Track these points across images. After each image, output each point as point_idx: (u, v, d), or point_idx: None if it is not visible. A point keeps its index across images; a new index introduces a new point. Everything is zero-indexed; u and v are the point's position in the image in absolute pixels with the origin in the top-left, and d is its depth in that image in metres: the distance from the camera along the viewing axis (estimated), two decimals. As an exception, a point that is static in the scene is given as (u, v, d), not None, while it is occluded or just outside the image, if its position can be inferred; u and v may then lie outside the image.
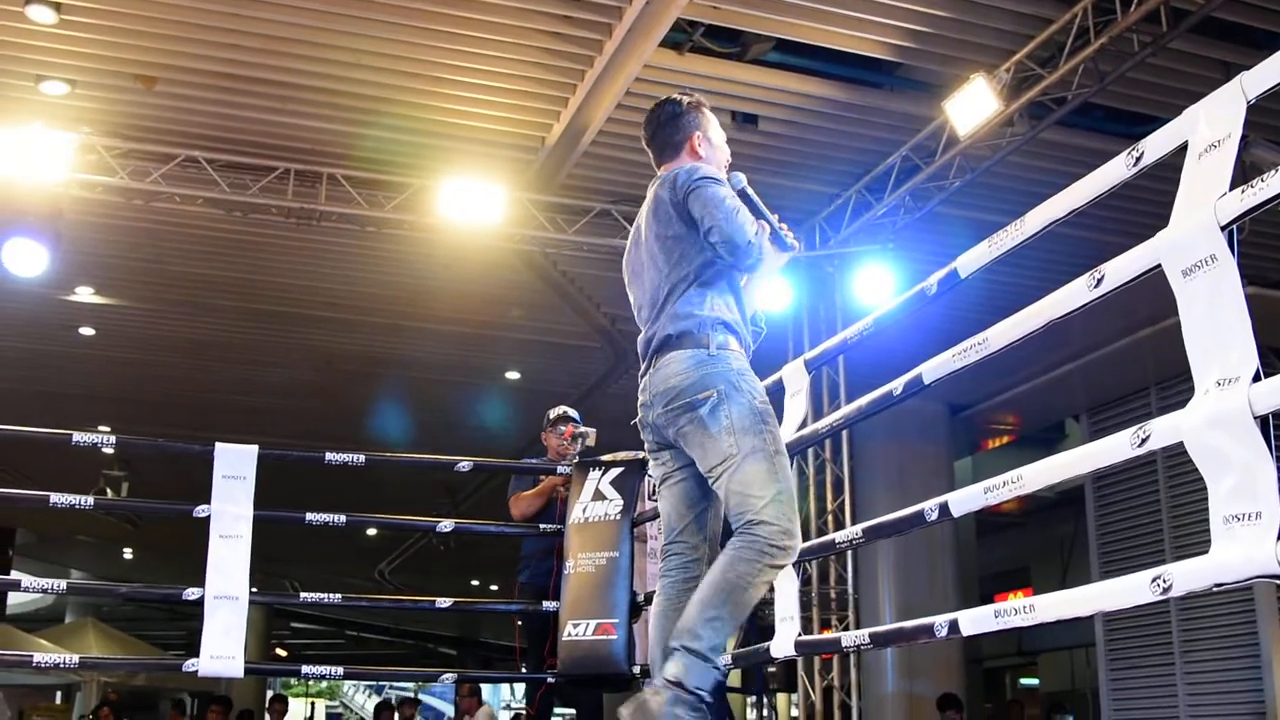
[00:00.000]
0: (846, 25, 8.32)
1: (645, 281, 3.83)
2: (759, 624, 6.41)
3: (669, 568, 3.80)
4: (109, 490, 16.48)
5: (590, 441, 6.98)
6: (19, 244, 9.71)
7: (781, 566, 3.48)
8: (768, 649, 4.63)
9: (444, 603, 6.55)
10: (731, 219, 3.58)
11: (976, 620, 3.41)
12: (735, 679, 11.64)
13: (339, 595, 6.72)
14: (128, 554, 25.75)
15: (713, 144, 4.02)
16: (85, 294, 12.39)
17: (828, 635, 9.19)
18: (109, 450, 15.40)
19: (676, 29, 8.28)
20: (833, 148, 9.86)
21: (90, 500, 6.14)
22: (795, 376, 4.74)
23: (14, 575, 10.37)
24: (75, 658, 6.39)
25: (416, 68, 8.83)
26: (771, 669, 11.29)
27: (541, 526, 6.60)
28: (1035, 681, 22.33)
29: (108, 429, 15.02)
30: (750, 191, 3.85)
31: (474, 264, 11.27)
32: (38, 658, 6.08)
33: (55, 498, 5.81)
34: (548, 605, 6.27)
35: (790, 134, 9.64)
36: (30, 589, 6.56)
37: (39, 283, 10.73)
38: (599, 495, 6.16)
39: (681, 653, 3.33)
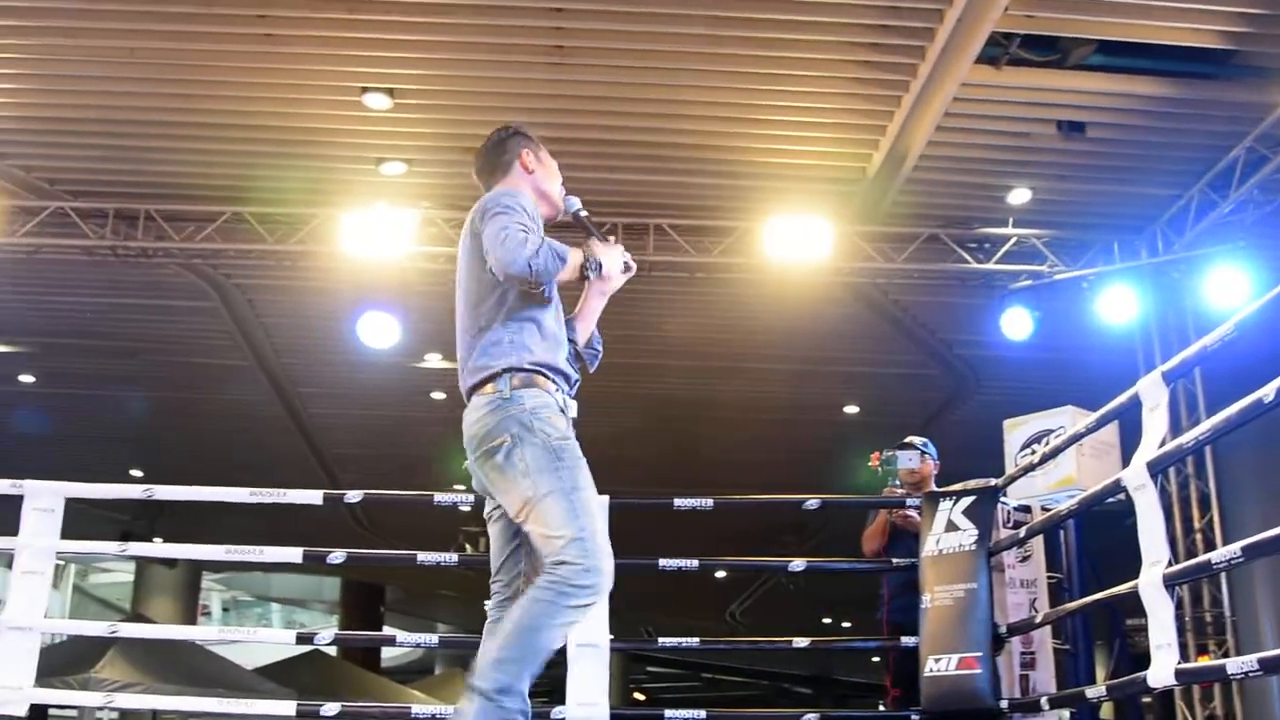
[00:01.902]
0: (1172, 18, 7.89)
1: (458, 318, 3.76)
2: (1131, 652, 6.10)
3: (491, 605, 3.76)
4: (468, 545, 17.16)
5: (911, 464, 6.73)
6: (372, 318, 10.29)
7: (585, 606, 3.34)
8: (1144, 679, 4.37)
9: (801, 642, 6.49)
10: (499, 245, 3.45)
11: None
12: (1108, 711, 11.10)
13: (697, 639, 6.75)
14: (489, 605, 26.75)
15: (543, 162, 3.91)
16: (434, 360, 12.98)
17: (1209, 662, 8.67)
18: (466, 508, 16.03)
19: (992, 43, 8.06)
20: (1168, 148, 9.37)
21: (454, 557, 6.39)
22: (1153, 390, 4.48)
23: (387, 630, 10.85)
24: (450, 709, 6.59)
25: (733, 112, 8.90)
26: (1146, 699, 10.71)
27: (895, 561, 6.47)
28: None
29: (463, 488, 15.66)
30: (583, 213, 3.87)
31: (803, 301, 11.24)
32: (415, 710, 6.31)
33: (422, 556, 6.07)
34: (908, 641, 6.12)
35: (1121, 138, 9.22)
36: (404, 644, 6.82)
37: (392, 353, 11.33)
38: (951, 526, 5.99)
39: (470, 692, 3.26)
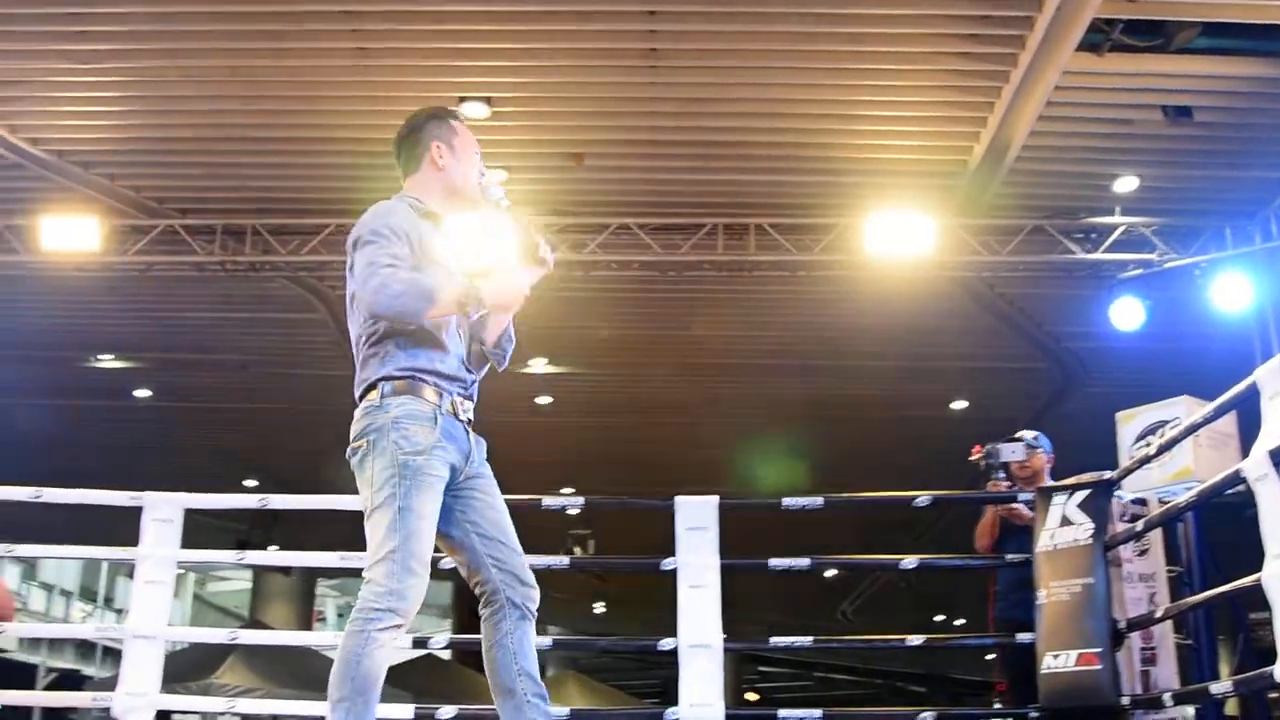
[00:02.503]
0: (1281, -4, 7.69)
1: (350, 329, 3.70)
2: (1255, 646, 5.95)
3: None
4: (576, 549, 17.24)
5: (1015, 456, 6.63)
6: (477, 325, 10.37)
7: (390, 630, 3.29)
8: (1270, 674, 4.25)
9: (915, 640, 6.44)
10: (363, 284, 3.40)
11: None
12: (1233, 707, 10.82)
13: (810, 638, 6.70)
14: (598, 608, 26.85)
15: (455, 152, 3.79)
16: (540, 365, 13.08)
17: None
18: (574, 511, 16.14)
19: (1093, 29, 7.89)
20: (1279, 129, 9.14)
21: (565, 560, 6.42)
22: (1272, 378, 4.36)
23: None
24: (565, 710, 6.61)
25: (830, 108, 8.85)
26: (1273, 694, 10.44)
27: (1008, 557, 6.38)
28: None
29: (571, 490, 15.75)
30: (504, 204, 3.74)
31: (907, 296, 11.13)
32: (530, 713, 6.34)
33: (533, 560, 6.08)
34: (1023, 637, 6.03)
35: (1229, 121, 9.00)
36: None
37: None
38: (1066, 521, 5.89)
39: None
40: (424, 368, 3.53)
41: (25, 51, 8.37)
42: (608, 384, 13.79)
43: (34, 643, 29.86)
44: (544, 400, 14.25)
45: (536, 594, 3.64)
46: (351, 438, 3.54)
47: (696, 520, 5.92)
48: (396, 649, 3.39)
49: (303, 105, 8.90)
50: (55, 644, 31.62)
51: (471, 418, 3.66)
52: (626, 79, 8.51)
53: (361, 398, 3.57)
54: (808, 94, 8.68)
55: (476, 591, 3.62)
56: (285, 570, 21.91)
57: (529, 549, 6.35)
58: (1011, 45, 8.06)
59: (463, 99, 8.64)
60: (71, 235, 9.96)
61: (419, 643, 7.10)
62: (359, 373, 3.60)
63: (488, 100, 8.68)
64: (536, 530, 16.09)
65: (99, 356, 13.69)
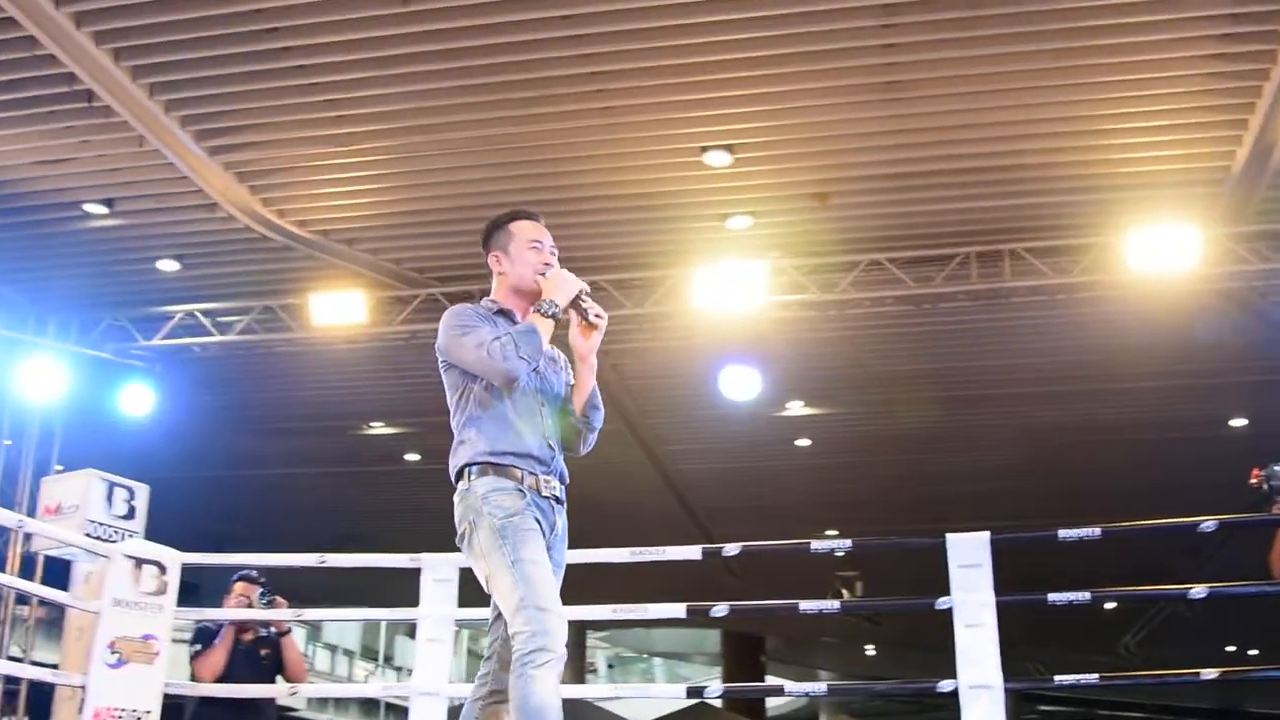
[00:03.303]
0: None
1: None
2: None
3: (482, 663, 3.99)
4: (844, 591, 17.07)
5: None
6: (733, 371, 10.44)
7: (549, 664, 3.51)
8: None
9: (1209, 674, 6.13)
10: (485, 364, 3.80)
11: None
12: None
13: (1096, 675, 6.46)
14: (869, 650, 26.47)
15: (511, 256, 4.10)
16: (797, 407, 13.05)
17: None
18: (840, 554, 15.98)
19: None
20: None
21: (836, 604, 6.38)
22: None
23: (770, 680, 10.90)
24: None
25: (1079, 124, 8.59)
26: None
27: (1308, 581, 6.03)
28: None
29: (835, 533, 15.60)
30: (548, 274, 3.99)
31: (1174, 312, 10.66)
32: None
33: (804, 605, 6.06)
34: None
35: None
36: (792, 693, 6.83)
37: (754, 404, 11.43)
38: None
39: None
40: (504, 450, 3.84)
41: (288, 140, 8.85)
42: (866, 422, 13.64)
43: (321, 702, 31.18)
44: (803, 443, 14.19)
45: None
46: (456, 525, 3.86)
47: (969, 557, 5.80)
48: (556, 680, 3.53)
49: (552, 168, 9.12)
50: (340, 703, 32.95)
51: (559, 495, 3.93)
52: (867, 114, 8.44)
53: (456, 483, 3.91)
54: (1055, 111, 8.43)
55: (492, 649, 3.92)
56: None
57: (797, 593, 6.34)
58: (1269, 41, 7.67)
59: (704, 148, 8.73)
60: (339, 310, 10.44)
61: (693, 692, 7.11)
62: (450, 460, 3.94)
63: (729, 148, 8.74)
64: (806, 575, 16.15)
65: (370, 424, 14.26)
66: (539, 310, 3.89)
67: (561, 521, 3.93)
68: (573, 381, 4.08)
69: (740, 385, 10.69)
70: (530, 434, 3.90)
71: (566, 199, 9.51)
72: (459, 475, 3.88)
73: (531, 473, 3.84)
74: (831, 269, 10.08)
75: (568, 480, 3.98)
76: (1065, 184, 9.23)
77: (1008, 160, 8.96)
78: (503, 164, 9.10)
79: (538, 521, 3.77)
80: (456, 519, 3.84)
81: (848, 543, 6.62)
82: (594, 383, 4.08)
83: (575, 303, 3.96)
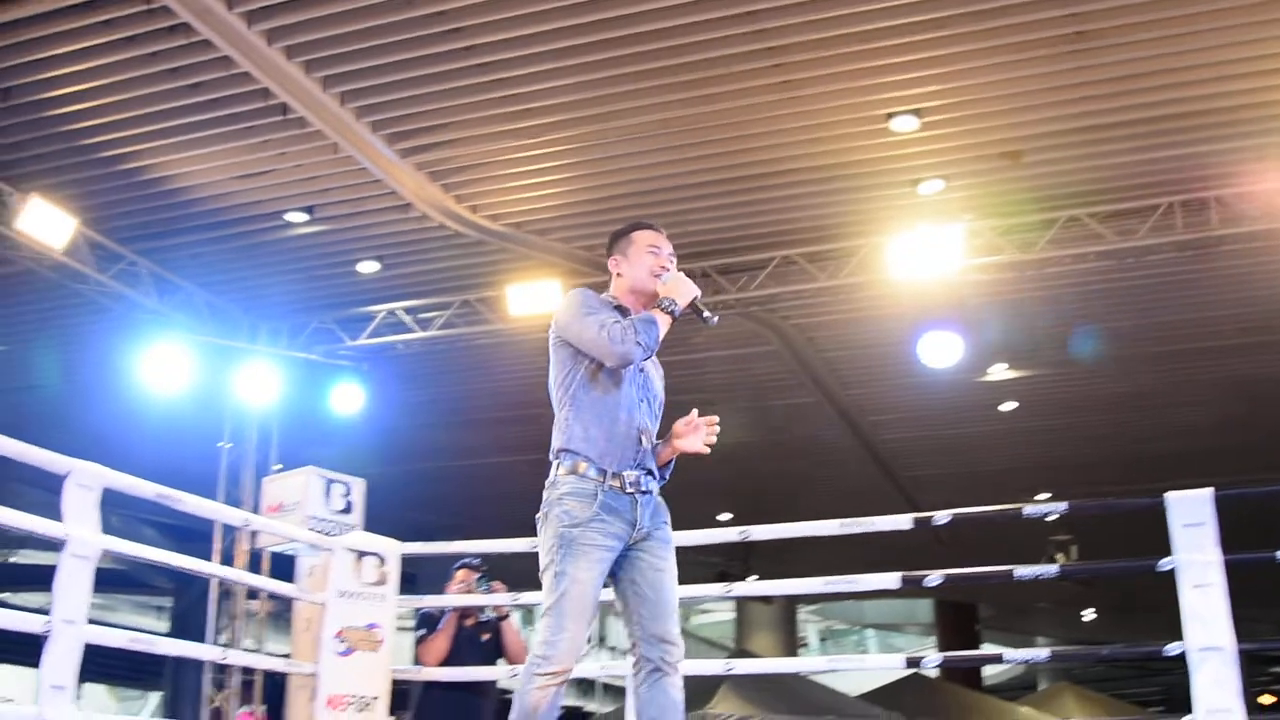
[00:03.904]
0: None
1: None
2: None
3: None
4: (1059, 555, 16.71)
5: None
6: (932, 338, 10.29)
7: (547, 679, 3.78)
8: None
9: None
10: (604, 345, 3.96)
11: None
12: None
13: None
14: (1087, 615, 25.86)
15: (630, 259, 4.28)
16: (1000, 371, 12.79)
17: None
18: (1052, 518, 15.64)
19: None
20: None
21: (1054, 569, 6.21)
22: None
23: (985, 648, 10.73)
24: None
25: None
26: None
27: None
28: None
29: (1047, 496, 15.27)
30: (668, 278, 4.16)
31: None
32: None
33: (1019, 571, 5.93)
34: None
35: None
36: (1011, 660, 6.70)
37: (956, 370, 11.25)
38: None
39: None
40: (595, 438, 4.01)
41: (476, 136, 9.03)
42: (1075, 382, 13.30)
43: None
44: (1008, 407, 13.91)
45: (674, 650, 3.98)
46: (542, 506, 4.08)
47: (1192, 516, 5.59)
48: (547, 691, 3.80)
49: (735, 145, 9.11)
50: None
51: (645, 487, 4.04)
52: (1055, 66, 8.19)
53: (550, 460, 4.11)
54: (1254, 50, 8.03)
55: (628, 645, 4.05)
56: (766, 599, 22.38)
57: (1011, 559, 6.22)
58: None
59: (890, 115, 8.61)
60: (536, 299, 10.60)
61: (912, 662, 7.03)
62: (553, 434, 4.13)
63: (916, 112, 8.60)
64: (1017, 541, 15.86)
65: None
66: (659, 306, 4.08)
67: (649, 512, 4.04)
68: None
69: (941, 352, 10.53)
70: (624, 425, 4.06)
71: (752, 175, 9.49)
72: (553, 461, 4.06)
73: (616, 472, 3.99)
74: (1028, 228, 9.85)
75: (665, 474, 4.16)
76: (1266, 125, 8.82)
77: (1206, 104, 8.60)
78: (685, 145, 9.13)
79: (604, 527, 3.92)
80: (543, 499, 4.04)
81: (1062, 506, 6.45)
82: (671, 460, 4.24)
83: (693, 304, 4.14)
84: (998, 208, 9.77)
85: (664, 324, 4.04)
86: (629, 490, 3.98)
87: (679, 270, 4.24)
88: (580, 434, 4.01)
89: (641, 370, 4.15)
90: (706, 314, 4.20)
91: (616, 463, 4.00)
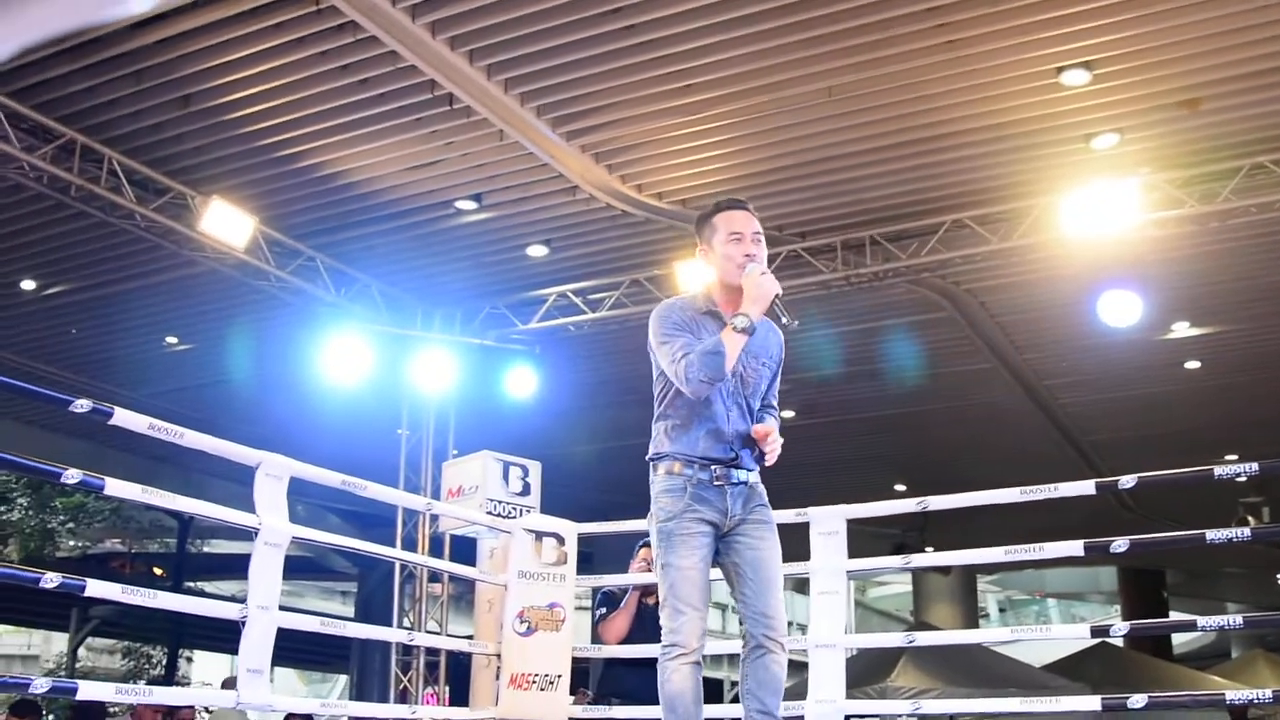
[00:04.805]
0: None
1: None
2: None
3: None
4: (1250, 517, 16.19)
5: None
6: (1111, 297, 10.02)
7: (678, 661, 4.03)
8: None
9: None
10: (679, 379, 4.12)
11: None
12: None
13: None
14: (1280, 579, 25.05)
15: (714, 247, 4.38)
16: (1183, 329, 12.42)
17: None
18: (1242, 479, 15.14)
19: None
20: None
21: (1246, 531, 5.99)
22: None
23: (1173, 616, 10.42)
24: (1260, 692, 6.19)
25: None
26: None
27: None
28: None
29: (1235, 457, 14.77)
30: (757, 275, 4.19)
31: None
32: (1230, 695, 6.01)
33: (1210, 534, 5.74)
34: None
35: None
36: (1205, 627, 6.49)
37: (1135, 329, 10.96)
38: None
39: None
40: (681, 451, 4.22)
41: (639, 115, 9.05)
42: (1259, 339, 12.81)
43: (715, 659, 31.86)
44: (1192, 365, 13.48)
45: (776, 624, 4.14)
46: None
47: (1401, 472, 5.37)
48: (689, 671, 4.05)
49: (901, 110, 8.96)
50: (731, 659, 33.58)
51: (735, 479, 4.22)
52: (1232, 8, 7.82)
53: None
54: None
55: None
56: (944, 570, 22.09)
57: (1198, 523, 6.03)
58: None
59: (1060, 69, 8.38)
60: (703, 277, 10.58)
61: (1097, 631, 6.87)
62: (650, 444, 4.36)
63: (1087, 65, 8.35)
64: (1204, 504, 15.42)
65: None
66: (733, 324, 4.13)
67: (741, 500, 4.22)
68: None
69: (1120, 311, 10.25)
70: (713, 432, 4.22)
71: (918, 139, 9.33)
72: (651, 463, 4.29)
73: (703, 466, 4.19)
74: (1210, 178, 9.50)
75: (758, 467, 4.30)
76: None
77: None
78: (850, 112, 9.01)
79: (696, 515, 4.14)
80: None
81: (1253, 466, 6.22)
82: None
83: (772, 306, 4.22)
84: (1176, 159, 9.45)
85: (735, 346, 4.11)
86: (717, 483, 4.19)
87: (763, 257, 4.35)
88: (669, 438, 4.25)
89: (734, 375, 4.21)
90: (785, 319, 4.27)
91: (705, 462, 4.20)
